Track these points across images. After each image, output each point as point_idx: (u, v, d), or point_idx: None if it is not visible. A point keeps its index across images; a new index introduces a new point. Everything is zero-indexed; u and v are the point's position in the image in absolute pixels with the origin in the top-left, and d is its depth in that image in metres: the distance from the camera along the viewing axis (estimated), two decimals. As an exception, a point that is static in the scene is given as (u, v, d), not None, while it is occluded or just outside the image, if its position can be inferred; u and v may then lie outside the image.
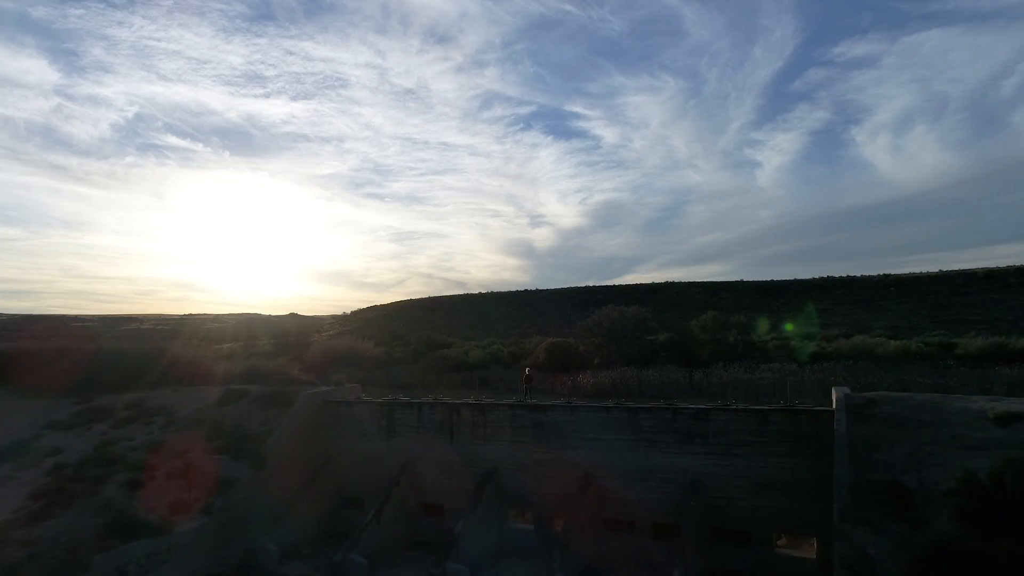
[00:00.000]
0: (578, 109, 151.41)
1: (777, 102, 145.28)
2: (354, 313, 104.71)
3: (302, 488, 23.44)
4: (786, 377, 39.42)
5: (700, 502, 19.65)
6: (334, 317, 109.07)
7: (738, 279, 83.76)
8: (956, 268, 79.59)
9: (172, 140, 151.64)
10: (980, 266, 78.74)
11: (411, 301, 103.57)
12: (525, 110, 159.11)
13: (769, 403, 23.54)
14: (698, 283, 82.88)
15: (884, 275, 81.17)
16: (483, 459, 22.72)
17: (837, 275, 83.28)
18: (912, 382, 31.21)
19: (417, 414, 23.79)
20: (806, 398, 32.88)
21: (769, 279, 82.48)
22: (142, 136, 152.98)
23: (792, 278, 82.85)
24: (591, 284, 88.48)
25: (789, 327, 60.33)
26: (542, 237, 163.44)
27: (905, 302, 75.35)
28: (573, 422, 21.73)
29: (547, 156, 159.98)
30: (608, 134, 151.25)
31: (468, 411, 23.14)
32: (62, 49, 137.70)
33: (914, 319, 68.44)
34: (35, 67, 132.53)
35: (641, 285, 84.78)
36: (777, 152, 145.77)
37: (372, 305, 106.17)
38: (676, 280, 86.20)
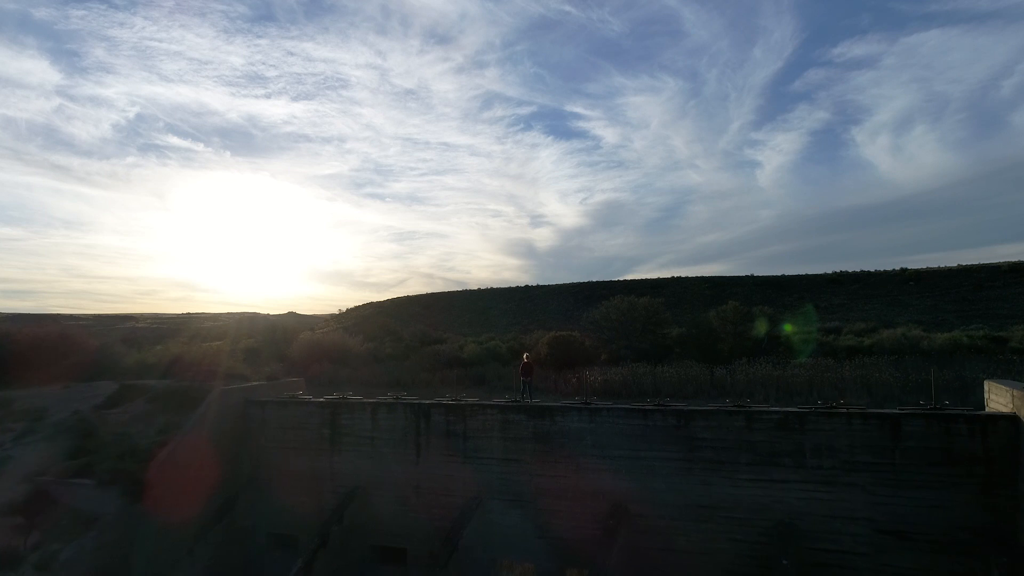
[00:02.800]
0: (578, 109, 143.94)
1: (777, 102, 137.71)
2: (349, 310, 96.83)
3: (209, 524, 15.58)
4: (823, 373, 31.70)
5: (795, 557, 11.75)
6: (332, 316, 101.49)
7: (747, 274, 75.81)
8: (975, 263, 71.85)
9: (173, 140, 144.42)
10: (984, 263, 71.21)
11: (408, 298, 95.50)
12: (525, 110, 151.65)
13: (804, 401, 15.82)
14: (706, 278, 74.98)
15: (902, 269, 73.39)
16: (462, 485, 14.87)
17: (851, 270, 75.37)
18: (978, 378, 23.72)
19: (371, 419, 15.90)
20: (850, 397, 25.16)
21: (781, 273, 74.52)
22: (143, 136, 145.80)
23: (804, 273, 74.94)
24: (594, 280, 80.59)
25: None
26: (543, 237, 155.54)
27: (927, 297, 67.60)
28: (594, 432, 13.88)
29: (547, 156, 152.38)
30: (608, 134, 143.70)
31: (441, 415, 15.27)
32: (64, 50, 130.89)
33: (938, 314, 60.48)
34: (37, 68, 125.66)
35: (646, 280, 76.90)
36: (777, 152, 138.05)
37: (368, 302, 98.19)
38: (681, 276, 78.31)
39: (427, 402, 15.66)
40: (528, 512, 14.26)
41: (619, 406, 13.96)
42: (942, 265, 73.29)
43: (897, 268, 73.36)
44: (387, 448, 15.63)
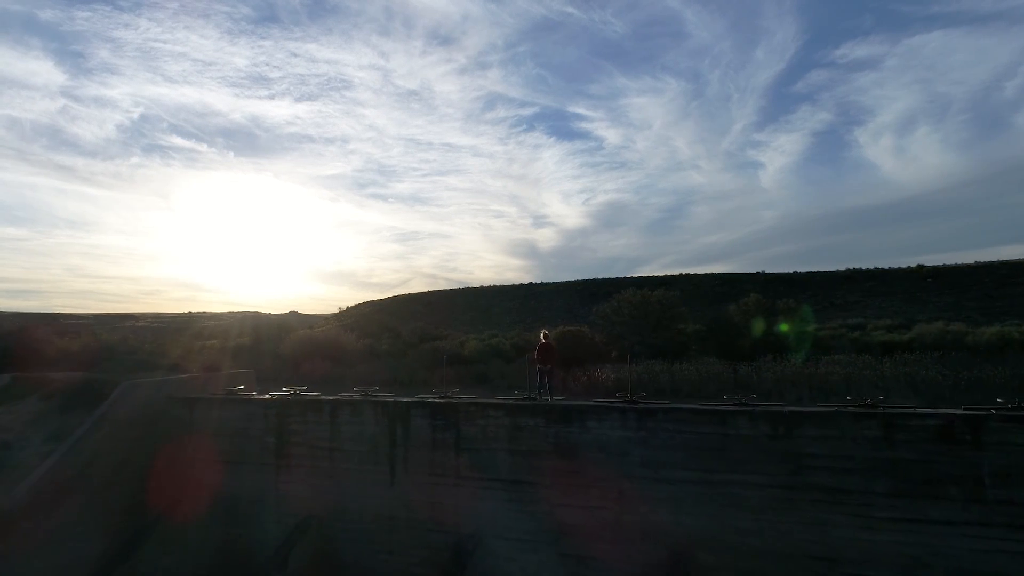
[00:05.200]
0: (581, 110, 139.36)
1: (779, 103, 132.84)
2: (349, 308, 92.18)
3: (107, 569, 10.85)
4: (861, 371, 26.97)
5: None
6: (333, 315, 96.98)
7: (759, 271, 71.11)
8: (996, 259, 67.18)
9: (177, 141, 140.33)
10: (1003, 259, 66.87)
11: (409, 296, 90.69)
12: (528, 111, 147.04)
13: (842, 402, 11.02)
14: (716, 274, 70.22)
15: (919, 266, 68.70)
16: (455, 516, 10.14)
17: (866, 267, 70.74)
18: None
19: (330, 424, 11.18)
20: (896, 397, 20.57)
21: (793, 271, 69.89)
22: (147, 137, 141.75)
23: (818, 270, 70.33)
24: (600, 277, 75.86)
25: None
26: (545, 238, 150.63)
27: (947, 294, 62.87)
28: (645, 443, 9.15)
29: (550, 157, 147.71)
30: (611, 135, 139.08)
31: (426, 419, 10.54)
32: (68, 51, 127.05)
33: (962, 311, 55.66)
34: (41, 69, 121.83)
35: (654, 277, 72.10)
36: (780, 153, 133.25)
37: (368, 300, 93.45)
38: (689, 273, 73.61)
39: (405, 400, 10.91)
40: (547, 558, 9.53)
41: (682, 406, 9.23)
42: (955, 263, 68.84)
43: (914, 265, 68.84)
44: (351, 464, 10.91)
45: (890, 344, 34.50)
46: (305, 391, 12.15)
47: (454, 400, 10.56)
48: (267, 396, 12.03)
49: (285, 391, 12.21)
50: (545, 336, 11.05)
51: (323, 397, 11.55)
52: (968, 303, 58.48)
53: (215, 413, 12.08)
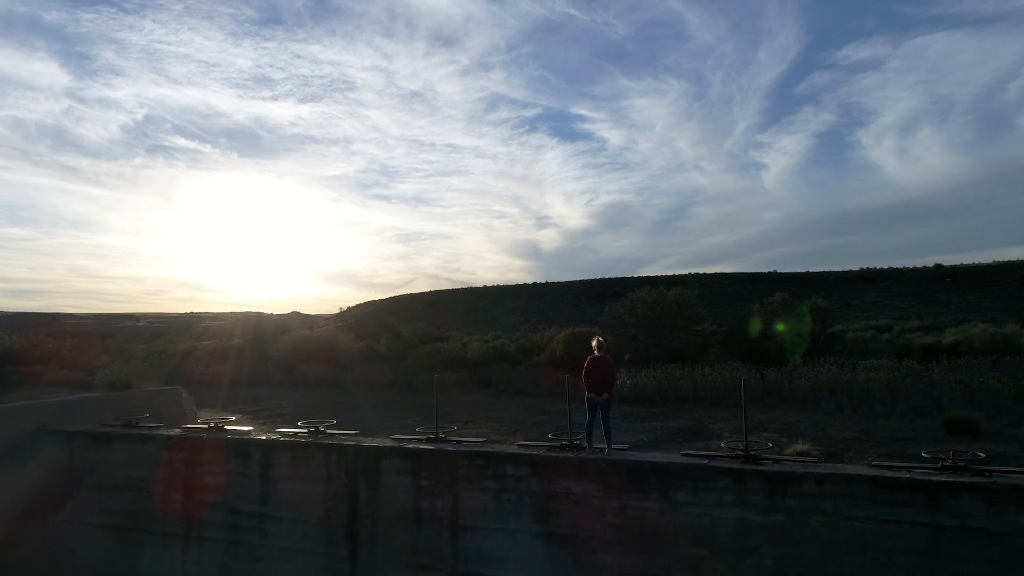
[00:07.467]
0: (583, 111, 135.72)
1: (782, 105, 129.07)
2: (350, 308, 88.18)
3: None
4: (904, 378, 22.75)
5: None
6: (335, 315, 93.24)
7: (770, 270, 67.15)
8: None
9: (181, 142, 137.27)
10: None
11: (410, 296, 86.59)
12: (531, 112, 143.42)
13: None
14: (726, 274, 66.09)
15: (937, 266, 64.88)
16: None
17: (880, 266, 66.91)
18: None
19: (260, 477, 7.07)
20: (954, 408, 16.51)
21: (805, 270, 65.92)
22: (151, 138, 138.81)
23: (831, 269, 66.43)
24: (606, 276, 71.85)
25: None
26: (548, 238, 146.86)
27: (968, 294, 58.81)
28: (779, 533, 5.01)
29: (553, 158, 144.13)
30: (613, 136, 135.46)
31: (403, 475, 6.39)
32: (73, 52, 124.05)
33: (986, 312, 51.47)
34: (46, 70, 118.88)
35: (663, 276, 68.00)
36: (783, 154, 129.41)
37: (369, 300, 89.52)
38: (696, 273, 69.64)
39: (374, 444, 6.73)
40: None
41: (850, 471, 5.08)
42: (970, 263, 65.03)
43: (923, 265, 65.08)
44: (290, 540, 6.80)
45: (932, 348, 30.29)
46: (233, 422, 8.06)
47: (449, 447, 6.39)
48: (175, 431, 7.89)
49: (200, 423, 8.11)
50: (599, 345, 6.34)
51: (251, 437, 7.39)
52: (991, 303, 54.53)
53: (102, 455, 7.96)
